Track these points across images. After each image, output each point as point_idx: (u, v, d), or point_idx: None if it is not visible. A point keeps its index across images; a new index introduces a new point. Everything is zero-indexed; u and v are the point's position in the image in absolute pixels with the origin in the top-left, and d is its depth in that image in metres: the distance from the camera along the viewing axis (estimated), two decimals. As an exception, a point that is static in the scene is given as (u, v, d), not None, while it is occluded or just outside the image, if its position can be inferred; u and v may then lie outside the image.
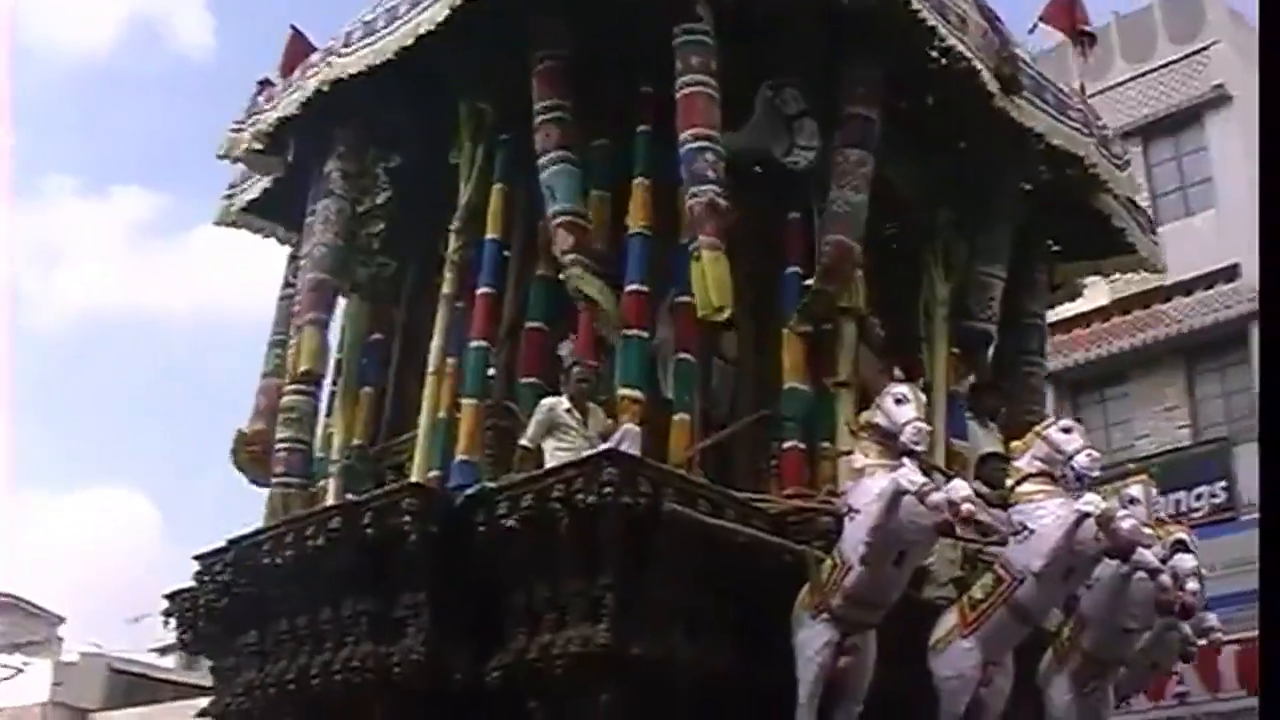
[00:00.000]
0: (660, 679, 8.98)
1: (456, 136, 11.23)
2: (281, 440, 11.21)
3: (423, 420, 10.57)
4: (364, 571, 9.69)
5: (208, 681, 12.58)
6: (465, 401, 10.34)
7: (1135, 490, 9.44)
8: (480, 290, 10.67)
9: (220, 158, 12.20)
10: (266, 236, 13.29)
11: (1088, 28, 12.12)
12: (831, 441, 10.18)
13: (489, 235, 10.81)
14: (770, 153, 10.43)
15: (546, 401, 9.75)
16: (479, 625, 9.46)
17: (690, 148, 9.67)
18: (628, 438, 9.25)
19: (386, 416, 11.70)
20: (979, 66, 10.52)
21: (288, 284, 12.37)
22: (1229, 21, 22.60)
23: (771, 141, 10.34)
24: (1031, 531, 8.89)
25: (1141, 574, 9.11)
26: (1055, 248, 12.90)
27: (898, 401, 8.75)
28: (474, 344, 10.52)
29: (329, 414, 11.85)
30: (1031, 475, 9.22)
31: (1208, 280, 21.09)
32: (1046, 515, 8.88)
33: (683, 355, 10.14)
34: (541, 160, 10.33)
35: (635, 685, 8.88)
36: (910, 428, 8.57)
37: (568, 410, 9.67)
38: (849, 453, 9.98)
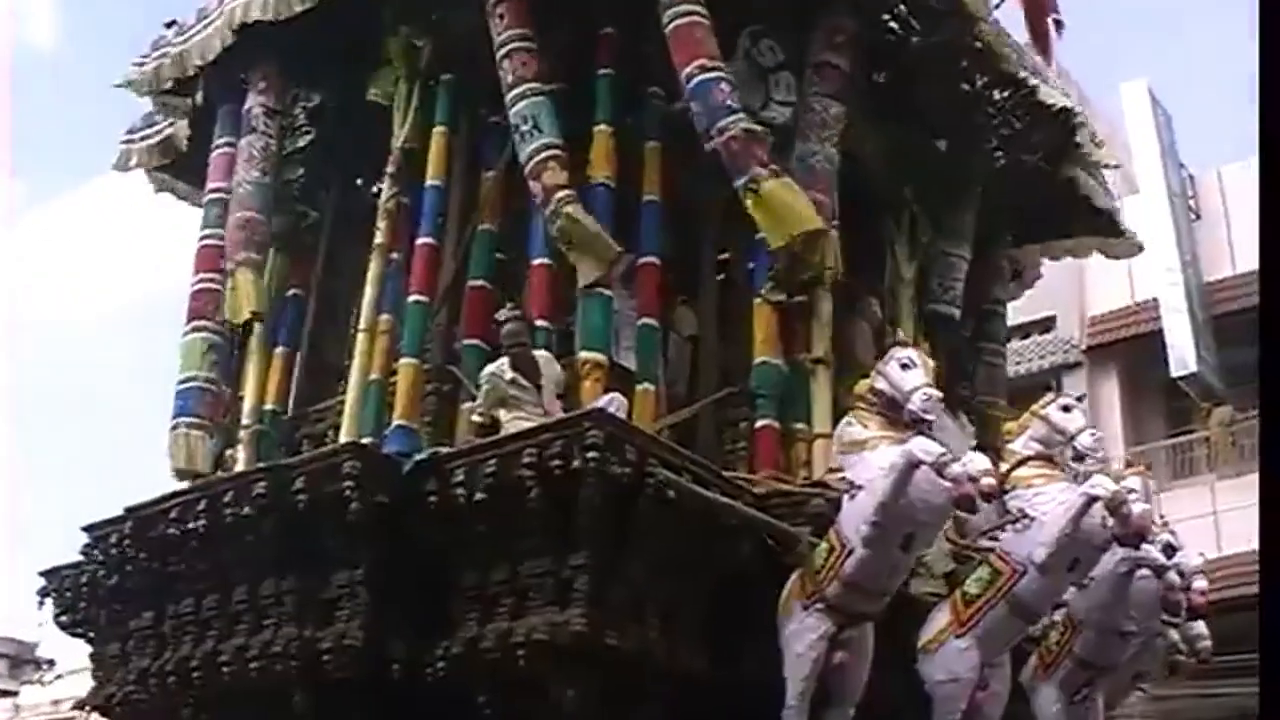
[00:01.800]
0: (634, 674, 7.73)
1: (382, 74, 9.89)
2: (207, 380, 9.61)
3: (352, 382, 9.15)
4: (291, 545, 8.25)
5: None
6: (404, 362, 8.95)
7: (1133, 482, 8.39)
8: (421, 241, 9.32)
9: (119, 86, 10.57)
10: (160, 190, 11.62)
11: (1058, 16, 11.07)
12: (807, 423, 8.98)
13: (430, 181, 9.44)
14: (745, 105, 9.17)
15: (489, 369, 8.43)
16: (422, 609, 8.09)
17: (702, 79, 8.53)
18: (613, 406, 7.95)
19: (300, 381, 10.15)
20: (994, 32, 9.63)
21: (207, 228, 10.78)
22: (1055, 76, 22.14)
23: (747, 94, 9.09)
24: (1032, 519, 7.82)
25: (1144, 572, 8.10)
26: (1014, 231, 11.74)
27: (904, 366, 7.70)
28: (414, 299, 9.15)
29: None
30: (1029, 459, 8.17)
31: (1023, 330, 20.89)
32: (1049, 501, 7.85)
33: (646, 321, 8.94)
34: (516, 91, 9.02)
35: (607, 680, 7.62)
36: (919, 394, 7.50)
37: (511, 380, 8.31)
38: (826, 435, 8.90)
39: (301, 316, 10.24)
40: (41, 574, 9.99)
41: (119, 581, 9.24)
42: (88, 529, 9.34)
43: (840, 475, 8.19)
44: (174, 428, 9.54)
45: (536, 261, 9.00)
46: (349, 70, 10.15)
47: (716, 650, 8.00)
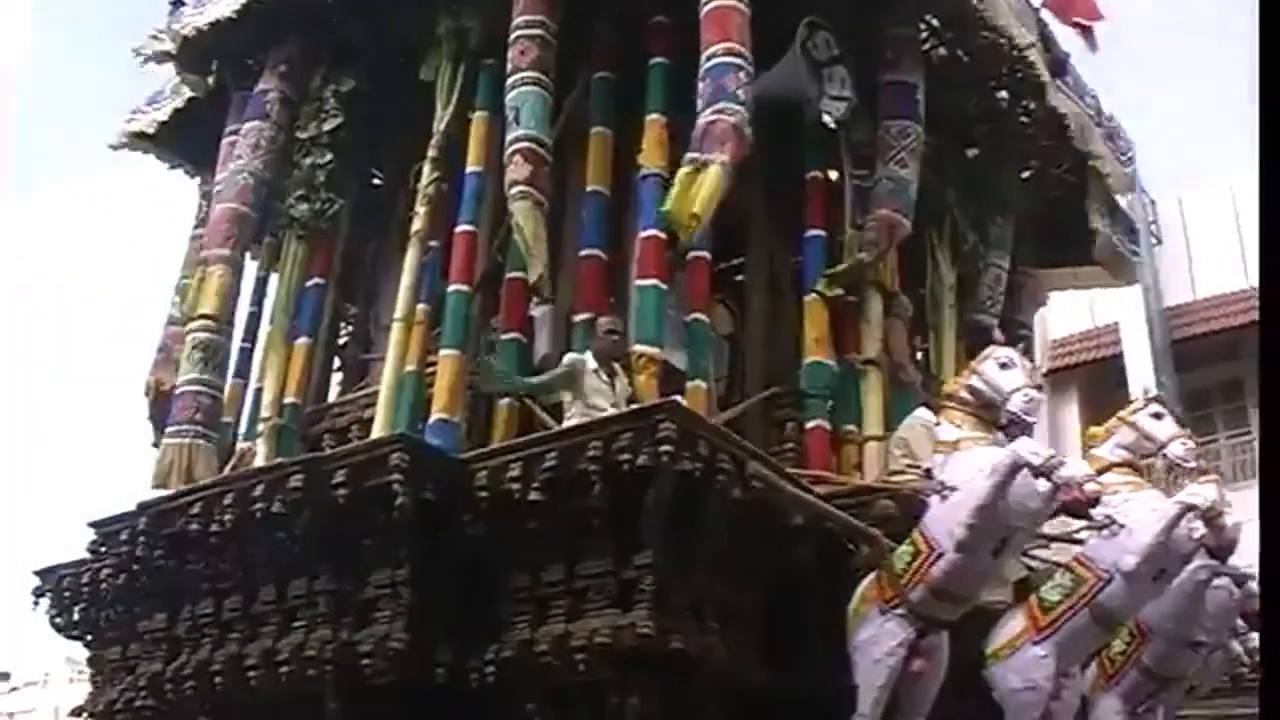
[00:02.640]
0: (696, 681, 7.19)
1: (430, 55, 9.28)
2: (187, 383, 8.96)
3: (386, 373, 8.55)
4: (327, 542, 7.62)
5: None
6: (445, 353, 8.38)
7: (1210, 491, 7.98)
8: (461, 229, 8.74)
9: (137, 55, 9.97)
10: (173, 168, 10.98)
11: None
12: (857, 425, 8.54)
13: (471, 167, 8.88)
14: (796, 99, 8.74)
15: (571, 357, 7.90)
16: (468, 611, 7.54)
17: (720, 62, 7.88)
18: None
19: (318, 374, 9.55)
20: (1029, 40, 9.19)
21: (201, 222, 10.21)
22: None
23: (802, 88, 8.63)
24: (1121, 526, 7.38)
25: (1219, 582, 7.71)
26: (1038, 250, 11.26)
27: (1003, 366, 7.26)
28: (454, 288, 8.57)
29: (238, 373, 9.66)
30: (1115, 465, 7.75)
31: (985, 352, 20.56)
32: (1140, 508, 7.42)
33: (697, 316, 8.42)
34: (512, 79, 8.53)
35: (668, 687, 7.07)
36: (1020, 395, 7.10)
37: (595, 370, 7.78)
38: (878, 438, 8.46)
39: (322, 307, 9.60)
40: (36, 573, 9.33)
41: (127, 581, 8.60)
42: (96, 525, 8.70)
43: (903, 478, 7.78)
44: (175, 436, 8.88)
45: (584, 253, 8.44)
46: (385, 52, 9.56)
47: (773, 657, 7.51)
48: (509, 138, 8.22)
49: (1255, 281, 16.70)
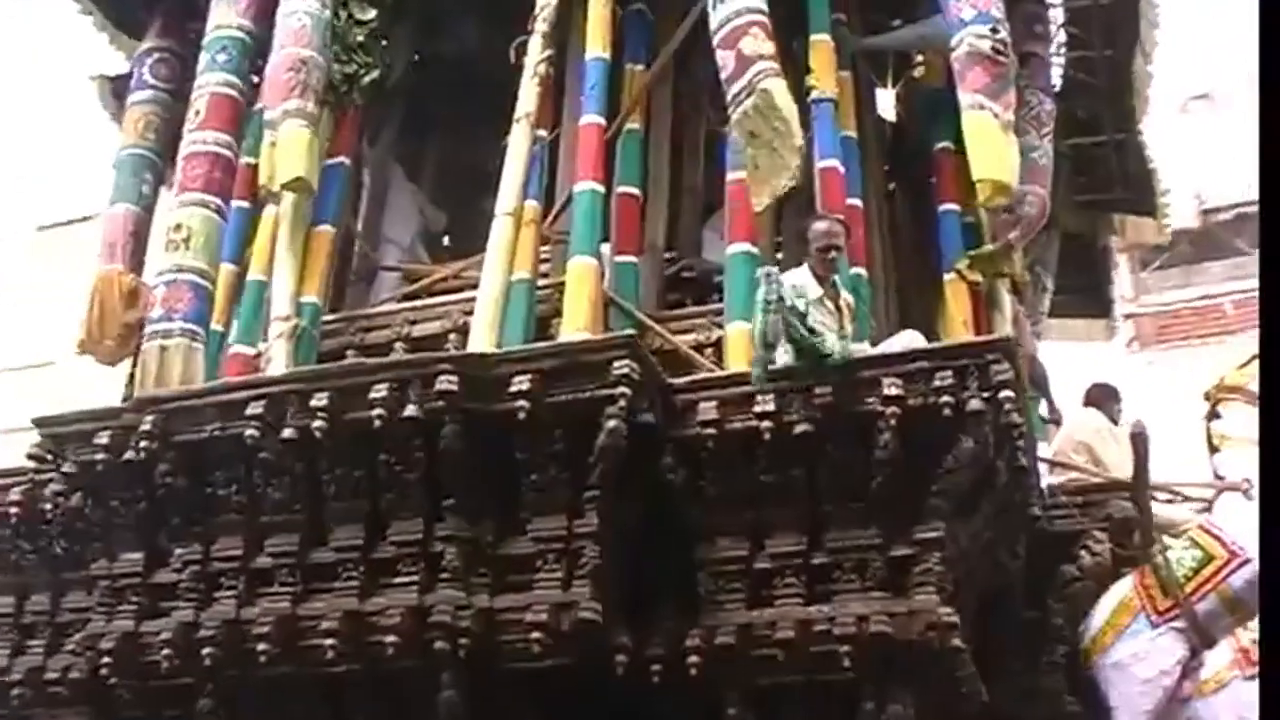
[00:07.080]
0: (950, 688, 5.67)
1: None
2: (173, 270, 6.61)
3: (489, 280, 6.43)
4: (471, 471, 5.59)
5: None
6: (578, 262, 6.44)
7: None
8: (587, 119, 6.86)
9: None
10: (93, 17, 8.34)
11: None
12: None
13: (595, 53, 7.04)
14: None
15: (793, 278, 6.00)
16: (651, 583, 5.71)
17: None
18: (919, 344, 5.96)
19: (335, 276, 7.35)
20: None
21: (145, 84, 7.71)
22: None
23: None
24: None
25: None
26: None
27: None
28: (586, 186, 6.68)
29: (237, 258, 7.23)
30: None
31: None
32: None
33: (857, 272, 6.91)
34: None
35: (925, 692, 5.53)
36: None
37: (819, 299, 6.01)
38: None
39: (345, 191, 7.37)
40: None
41: (85, 503, 6.08)
42: (45, 423, 6.12)
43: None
44: (161, 337, 6.47)
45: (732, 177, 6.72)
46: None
47: (985, 672, 6.07)
48: (734, 8, 6.49)
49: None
